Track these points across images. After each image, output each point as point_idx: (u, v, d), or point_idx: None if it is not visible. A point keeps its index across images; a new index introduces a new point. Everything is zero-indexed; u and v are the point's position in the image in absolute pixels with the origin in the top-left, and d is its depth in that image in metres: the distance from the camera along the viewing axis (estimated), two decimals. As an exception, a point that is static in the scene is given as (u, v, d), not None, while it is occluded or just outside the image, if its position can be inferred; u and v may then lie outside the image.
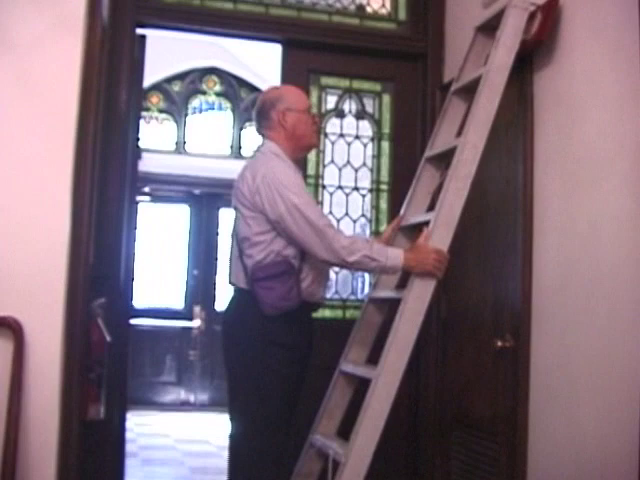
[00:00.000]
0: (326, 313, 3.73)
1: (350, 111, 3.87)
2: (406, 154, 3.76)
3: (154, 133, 7.82)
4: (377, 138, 3.87)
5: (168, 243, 8.17)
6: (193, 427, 7.02)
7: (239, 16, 3.61)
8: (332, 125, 3.84)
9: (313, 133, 2.87)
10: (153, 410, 7.55)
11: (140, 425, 6.76)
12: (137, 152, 3.69)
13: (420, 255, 2.62)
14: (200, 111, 8.07)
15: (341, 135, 3.85)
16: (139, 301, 6.77)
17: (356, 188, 3.84)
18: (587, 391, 2.55)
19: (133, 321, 3.73)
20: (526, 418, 2.87)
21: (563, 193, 2.76)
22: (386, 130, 3.86)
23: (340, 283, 3.92)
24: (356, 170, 3.85)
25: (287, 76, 3.65)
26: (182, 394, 7.93)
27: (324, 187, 3.78)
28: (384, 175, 3.84)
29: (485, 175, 2.97)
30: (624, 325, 2.38)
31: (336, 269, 3.70)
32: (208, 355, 7.74)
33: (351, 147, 3.85)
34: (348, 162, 3.84)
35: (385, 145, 3.86)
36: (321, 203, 3.72)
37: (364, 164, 3.86)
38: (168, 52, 6.57)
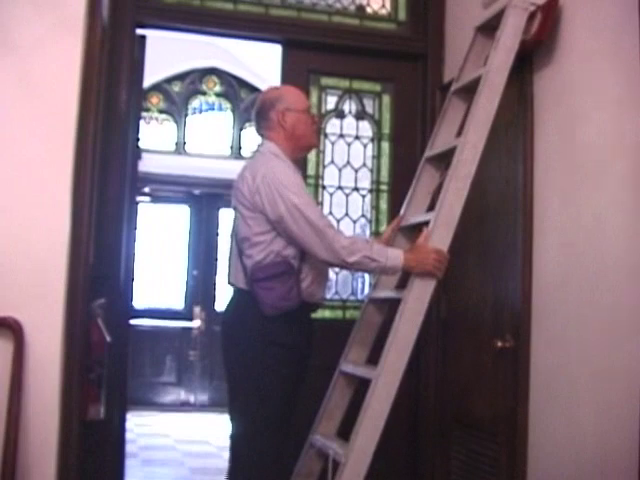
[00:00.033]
0: (326, 313, 3.73)
1: (350, 111, 3.87)
2: (406, 154, 3.76)
3: (154, 133, 7.82)
4: (377, 138, 3.87)
5: (168, 243, 8.17)
6: (193, 427, 7.02)
7: (239, 16, 3.61)
8: (332, 125, 3.84)
9: (313, 133, 2.88)
10: (153, 410, 7.55)
11: (140, 425, 6.76)
12: (137, 152, 3.69)
13: (420, 255, 2.62)
14: (200, 111, 8.07)
15: (341, 135, 3.85)
16: (139, 301, 6.77)
17: (356, 188, 3.84)
18: (587, 391, 2.55)
19: (133, 321, 3.73)
20: (526, 418, 2.87)
21: (563, 193, 2.76)
22: (386, 130, 3.86)
23: (340, 284, 3.92)
24: (356, 170, 3.85)
25: (287, 76, 3.65)
26: (182, 394, 7.93)
27: (324, 187, 3.78)
28: (384, 175, 3.84)
29: (485, 175, 2.98)
30: (624, 325, 2.38)
31: (336, 269, 3.70)
32: (208, 355, 7.74)
33: (351, 147, 3.85)
34: (348, 162, 3.84)
35: (385, 145, 3.86)
36: (321, 203, 3.72)
37: (364, 164, 3.86)
38: (168, 52, 6.56)
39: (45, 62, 2.77)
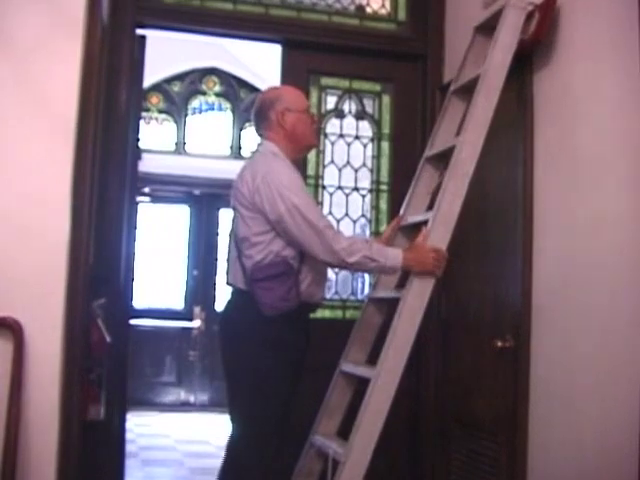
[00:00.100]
0: (326, 313, 3.73)
1: (350, 111, 3.87)
2: (406, 154, 3.76)
3: (154, 133, 7.82)
4: (377, 138, 3.87)
5: (168, 244, 8.17)
6: (193, 428, 7.02)
7: (239, 16, 3.61)
8: (332, 125, 3.84)
9: (312, 133, 2.88)
10: (153, 411, 7.55)
11: (140, 425, 6.76)
12: (137, 152, 3.69)
13: (419, 254, 2.63)
14: (200, 111, 8.07)
15: (341, 135, 3.85)
16: (139, 301, 6.77)
17: (356, 188, 3.84)
18: (587, 391, 2.55)
19: (133, 321, 3.73)
20: (526, 418, 2.87)
21: (563, 193, 2.76)
22: (386, 130, 3.86)
23: (340, 284, 3.92)
24: (356, 170, 3.85)
25: (287, 76, 3.65)
26: (182, 395, 7.93)
27: (324, 187, 3.78)
28: (384, 175, 3.84)
29: (485, 175, 2.98)
30: (624, 325, 2.38)
31: (336, 270, 3.70)
32: (208, 355, 7.73)
33: (351, 147, 3.85)
34: (348, 162, 3.84)
35: (385, 145, 3.86)
36: (321, 203, 3.72)
37: (364, 164, 3.86)
38: (168, 52, 6.56)
39: (45, 62, 2.76)
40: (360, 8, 3.85)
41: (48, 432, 2.67)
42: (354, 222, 3.84)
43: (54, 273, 2.72)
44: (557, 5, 2.81)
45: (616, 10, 2.51)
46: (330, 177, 3.80)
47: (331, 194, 3.79)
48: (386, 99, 3.87)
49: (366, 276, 4.03)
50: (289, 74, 3.66)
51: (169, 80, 7.92)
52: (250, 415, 2.62)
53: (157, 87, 7.85)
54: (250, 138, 7.93)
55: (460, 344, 3.42)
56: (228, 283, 2.76)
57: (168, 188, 8.05)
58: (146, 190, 7.70)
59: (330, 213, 3.75)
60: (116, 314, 3.26)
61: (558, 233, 2.78)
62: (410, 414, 3.63)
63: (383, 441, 2.57)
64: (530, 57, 2.94)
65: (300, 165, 3.28)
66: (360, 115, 3.88)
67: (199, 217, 8.21)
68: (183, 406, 7.85)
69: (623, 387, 2.37)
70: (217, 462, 2.73)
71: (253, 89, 7.84)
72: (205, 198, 8.17)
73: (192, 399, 7.93)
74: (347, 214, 3.83)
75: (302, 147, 2.85)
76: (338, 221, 3.77)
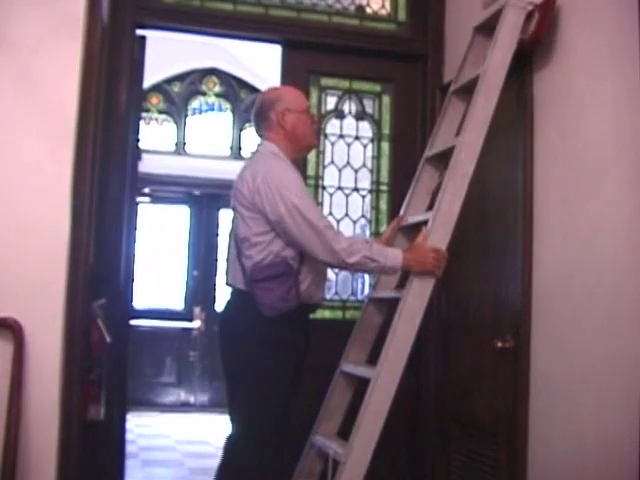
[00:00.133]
0: (326, 314, 3.73)
1: (350, 112, 3.87)
2: (406, 155, 3.76)
3: (154, 134, 7.81)
4: (377, 139, 3.87)
5: (168, 244, 8.17)
6: (193, 428, 7.02)
7: (239, 17, 3.61)
8: (332, 126, 3.84)
9: (312, 133, 2.88)
10: (153, 411, 7.55)
11: (140, 426, 6.75)
12: (137, 153, 3.69)
13: (419, 254, 2.63)
14: (200, 112, 8.06)
15: (341, 136, 3.84)
16: (139, 302, 6.76)
17: (356, 189, 3.84)
18: (587, 391, 2.55)
19: (133, 322, 3.73)
20: (526, 418, 2.87)
21: (563, 193, 2.76)
22: (386, 131, 3.86)
23: (340, 284, 3.92)
24: (356, 171, 3.85)
25: (287, 77, 3.66)
26: (182, 395, 7.93)
27: (324, 188, 3.78)
28: (384, 176, 3.84)
29: (485, 176, 2.98)
30: (624, 325, 2.39)
31: (336, 270, 3.70)
32: (208, 356, 7.73)
33: (351, 148, 3.85)
34: (348, 163, 3.84)
35: (385, 146, 3.86)
36: (321, 204, 3.72)
37: (364, 165, 3.86)
38: (168, 53, 6.56)
39: (45, 62, 2.76)
40: (360, 8, 3.85)
41: (48, 432, 2.67)
42: (354, 222, 3.84)
43: (54, 273, 2.72)
44: (557, 5, 2.81)
45: (616, 10, 2.51)
46: (330, 177, 3.80)
47: (331, 194, 3.79)
48: (386, 99, 3.87)
49: (366, 276, 4.03)
50: (289, 74, 3.66)
51: (169, 80, 7.92)
52: (250, 415, 2.62)
53: (157, 87, 7.85)
54: (250, 139, 7.93)
55: (460, 344, 3.42)
56: (227, 283, 2.76)
57: (168, 188, 8.05)
58: (146, 190, 7.70)
59: (330, 214, 3.75)
60: (116, 314, 3.26)
61: (558, 233, 2.78)
62: (410, 414, 3.63)
63: (383, 441, 2.57)
64: (530, 57, 2.94)
65: (300, 165, 3.28)
66: (360, 115, 3.88)
67: (199, 217, 8.21)
68: (183, 406, 7.85)
69: (623, 387, 2.37)
70: (217, 462, 2.73)
71: (253, 89, 7.84)
72: (205, 198, 8.17)
73: (192, 399, 7.93)
74: (347, 214, 3.83)
75: (302, 147, 2.85)
76: (338, 222, 3.77)
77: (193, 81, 8.03)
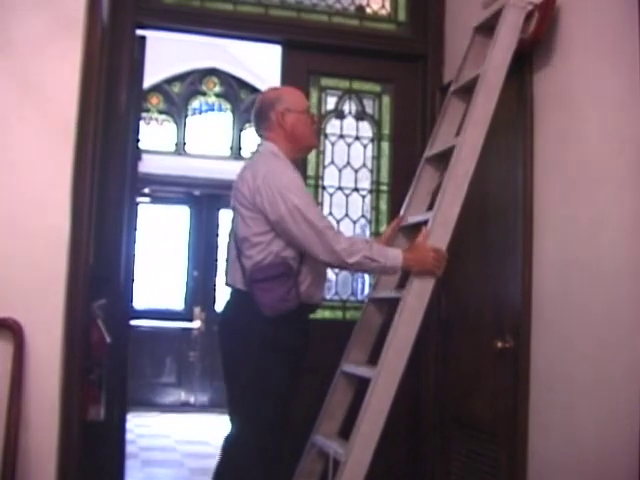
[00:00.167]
0: (326, 314, 3.73)
1: (350, 112, 3.87)
2: (406, 155, 3.76)
3: (154, 134, 7.82)
4: (377, 139, 3.87)
5: (168, 244, 8.17)
6: (193, 428, 7.02)
7: (239, 17, 3.61)
8: (332, 126, 3.84)
9: (312, 134, 2.88)
10: (153, 411, 7.55)
11: (140, 426, 6.75)
12: (137, 153, 3.69)
13: (419, 254, 2.63)
14: (200, 112, 8.07)
15: (341, 136, 3.84)
16: (139, 302, 6.77)
17: (356, 189, 3.84)
18: (587, 391, 2.55)
19: (133, 322, 3.73)
20: (526, 418, 2.87)
21: (563, 193, 2.76)
22: (386, 131, 3.86)
23: (340, 284, 3.92)
24: (356, 171, 3.85)
25: (287, 77, 3.66)
26: (182, 395, 7.93)
27: (324, 188, 3.77)
28: (384, 176, 3.84)
29: (485, 176, 2.98)
30: (624, 325, 2.38)
31: (336, 270, 3.70)
32: (208, 356, 7.73)
33: (351, 148, 3.85)
34: (348, 163, 3.84)
35: (385, 146, 3.86)
36: (321, 204, 3.71)
37: (364, 165, 3.86)
38: (168, 53, 6.56)
39: (45, 62, 2.76)
40: (360, 9, 3.85)
41: (48, 432, 2.67)
42: (354, 223, 3.83)
43: (54, 274, 2.72)
44: (557, 4, 2.81)
45: (616, 9, 2.51)
46: (330, 178, 3.80)
47: (331, 195, 3.79)
48: (386, 100, 3.87)
49: (366, 277, 4.03)
50: (289, 75, 3.66)
51: (169, 81, 7.92)
52: (249, 416, 2.62)
53: (157, 88, 7.85)
54: (250, 139, 7.93)
55: (460, 344, 3.42)
56: (227, 284, 2.76)
57: (168, 189, 8.05)
58: (146, 191, 7.70)
59: (330, 214, 3.75)
60: (116, 315, 3.26)
61: (558, 233, 2.78)
62: (410, 414, 3.63)
63: (383, 441, 2.58)
64: (530, 56, 2.94)
65: (300, 166, 3.28)
66: (360, 116, 3.88)
67: (199, 218, 8.21)
68: (183, 407, 7.85)
69: (623, 387, 2.37)
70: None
71: (253, 90, 7.84)
72: (205, 199, 8.17)
73: (192, 400, 7.93)
74: (347, 215, 3.83)
75: (302, 147, 2.85)
76: (338, 222, 3.77)
77: (193, 81, 8.03)
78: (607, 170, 2.52)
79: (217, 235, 8.13)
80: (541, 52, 2.90)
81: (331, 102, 3.84)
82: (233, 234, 2.75)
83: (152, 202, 8.03)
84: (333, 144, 3.82)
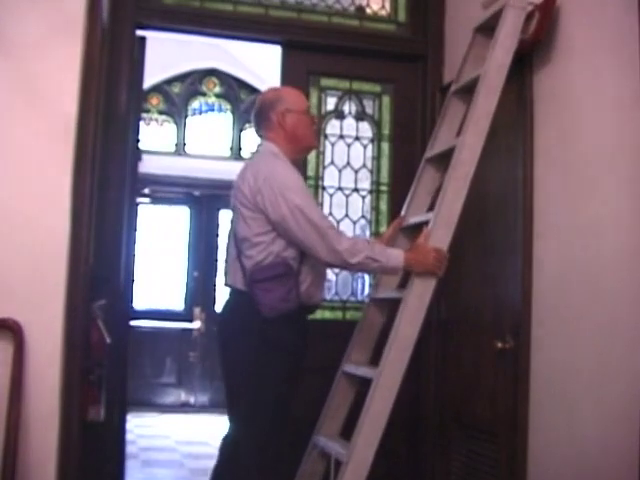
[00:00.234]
0: (326, 314, 3.73)
1: (350, 112, 3.87)
2: (406, 155, 3.76)
3: (154, 134, 7.82)
4: (377, 139, 3.87)
5: (168, 245, 8.17)
6: (193, 429, 7.02)
7: (239, 17, 3.62)
8: (332, 126, 3.84)
9: (312, 134, 2.88)
10: (153, 412, 7.54)
11: (140, 427, 6.75)
12: (137, 153, 3.69)
13: (420, 255, 2.63)
14: (200, 112, 8.07)
15: (341, 136, 3.85)
16: (139, 303, 6.77)
17: (356, 189, 3.84)
18: (587, 391, 2.55)
19: (133, 322, 3.73)
20: (526, 419, 2.87)
21: (563, 194, 2.76)
22: (386, 131, 3.86)
23: (340, 284, 3.92)
24: (356, 171, 3.85)
25: (287, 77, 3.66)
26: (182, 395, 7.92)
27: (324, 188, 3.78)
28: (384, 176, 3.84)
29: (485, 176, 2.98)
30: (624, 326, 2.38)
31: (336, 270, 3.70)
32: (208, 356, 7.72)
33: (351, 148, 3.85)
34: (348, 163, 3.84)
35: (385, 146, 3.86)
36: (321, 204, 3.71)
37: (364, 165, 3.86)
38: (168, 54, 6.57)
39: (45, 63, 2.76)
40: (360, 9, 3.85)
41: (48, 433, 2.67)
42: (354, 223, 3.83)
43: (54, 273, 2.72)
44: (557, 5, 2.81)
45: (616, 9, 2.51)
46: (330, 178, 3.80)
47: (331, 195, 3.79)
48: (386, 100, 3.87)
49: (366, 277, 4.03)
50: (289, 75, 3.66)
51: (169, 81, 7.92)
52: (249, 416, 2.62)
53: (157, 88, 7.85)
54: (250, 139, 7.94)
55: (460, 344, 3.42)
56: (226, 284, 2.75)
57: (168, 189, 8.05)
58: (146, 191, 7.70)
59: (330, 214, 3.75)
60: (116, 315, 3.26)
61: (558, 233, 2.78)
62: (410, 414, 3.62)
63: (383, 441, 2.57)
64: (530, 57, 2.94)
65: (300, 166, 3.28)
66: (360, 116, 3.88)
67: (199, 218, 8.21)
68: (183, 407, 7.85)
69: (623, 387, 2.37)
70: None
71: (253, 90, 7.84)
72: (205, 199, 8.16)
73: (192, 400, 7.93)
74: (347, 215, 3.83)
75: (302, 148, 2.85)
76: (338, 222, 3.76)
77: (193, 82, 8.03)
78: (607, 170, 2.52)
79: (217, 235, 8.13)
80: (541, 52, 2.90)
81: (331, 102, 3.84)
82: (233, 234, 2.75)
83: (152, 202, 8.02)
84: (333, 144, 3.82)
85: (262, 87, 6.51)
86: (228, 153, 8.04)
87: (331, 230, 2.59)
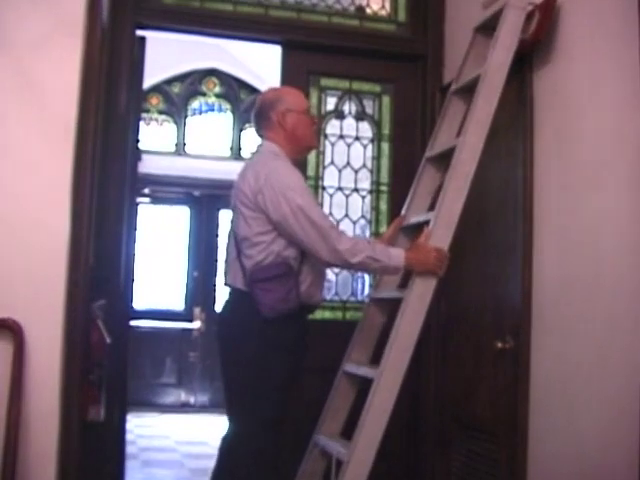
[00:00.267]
0: (326, 315, 3.73)
1: (350, 112, 3.87)
2: (406, 155, 3.76)
3: (154, 134, 7.82)
4: (377, 139, 3.87)
5: (168, 244, 8.17)
6: (193, 429, 7.01)
7: (239, 17, 3.61)
8: (332, 126, 3.84)
9: (312, 134, 2.88)
10: (153, 412, 7.54)
11: (140, 427, 6.75)
12: (137, 153, 3.69)
13: (421, 254, 2.63)
14: (200, 112, 8.07)
15: (341, 136, 3.85)
16: (139, 303, 6.76)
17: (356, 189, 3.84)
18: (587, 391, 2.55)
19: (133, 323, 3.73)
20: (526, 419, 2.86)
21: (563, 194, 2.76)
22: (386, 131, 3.86)
23: (340, 284, 3.92)
24: (356, 171, 3.85)
25: (287, 77, 3.66)
26: (182, 396, 7.92)
27: (324, 188, 3.78)
28: (384, 176, 3.84)
29: (485, 176, 2.97)
30: (624, 326, 2.38)
31: (336, 270, 3.70)
32: (208, 356, 7.72)
33: (351, 148, 3.85)
34: (348, 163, 3.84)
35: (385, 146, 3.86)
36: (321, 204, 3.71)
37: (364, 165, 3.86)
38: (168, 53, 6.56)
39: (45, 63, 2.76)
40: (360, 9, 3.85)
41: (48, 433, 2.67)
42: (354, 223, 3.84)
43: (54, 274, 2.71)
44: (557, 4, 2.81)
45: (616, 9, 2.51)
46: (330, 178, 3.80)
47: (331, 195, 3.79)
48: (386, 100, 3.87)
49: (366, 277, 4.02)
50: (289, 75, 3.66)
51: (169, 81, 7.92)
52: (249, 416, 2.62)
53: (157, 88, 7.85)
54: (250, 139, 7.93)
55: (460, 344, 3.42)
56: (226, 284, 2.75)
57: (168, 189, 8.05)
58: (146, 191, 7.70)
59: (330, 214, 3.75)
60: (116, 315, 3.26)
61: (558, 233, 2.78)
62: (410, 414, 3.63)
63: (383, 441, 2.57)
64: (530, 57, 2.94)
65: (300, 166, 3.28)
66: (360, 116, 3.88)
67: (199, 218, 8.21)
68: (183, 407, 7.84)
69: (623, 387, 2.37)
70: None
71: (253, 90, 7.84)
72: (205, 199, 8.16)
73: (192, 400, 7.93)
74: (347, 215, 3.83)
75: (302, 148, 2.85)
76: (338, 222, 3.76)
77: (193, 82, 8.03)
78: (607, 170, 2.51)
79: (217, 235, 8.13)
80: (541, 52, 2.90)
81: (331, 102, 3.84)
82: (233, 234, 2.74)
83: (152, 202, 8.02)
84: (333, 144, 3.82)
85: (262, 87, 6.51)
86: (228, 153, 8.03)
87: (332, 230, 2.59)
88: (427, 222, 2.76)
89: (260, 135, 2.82)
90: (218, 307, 7.78)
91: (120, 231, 3.35)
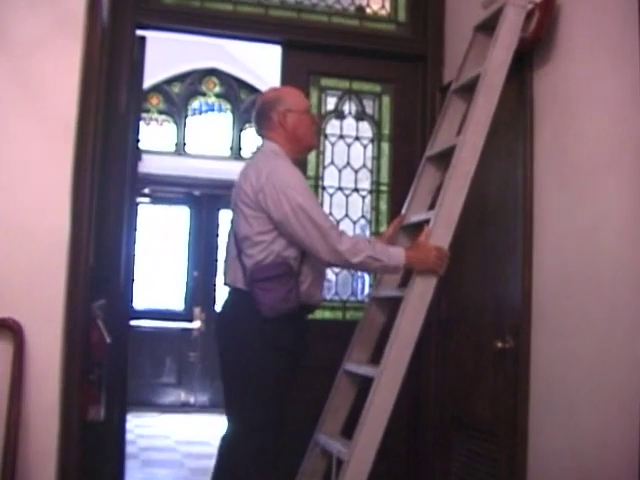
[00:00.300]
0: (326, 314, 3.73)
1: (350, 112, 3.87)
2: (406, 155, 3.76)
3: (154, 134, 7.82)
4: (377, 139, 3.87)
5: (168, 244, 8.17)
6: (193, 428, 7.02)
7: (239, 17, 3.62)
8: (332, 126, 3.84)
9: (313, 134, 2.88)
10: (153, 412, 7.54)
11: (140, 427, 6.75)
12: (137, 153, 3.69)
13: (421, 253, 2.63)
14: (200, 112, 8.06)
15: (341, 136, 3.85)
16: (139, 302, 6.77)
17: (356, 189, 3.84)
18: (587, 392, 2.55)
19: (133, 322, 3.73)
20: (526, 419, 2.86)
21: (563, 194, 2.76)
22: (386, 131, 3.86)
23: (340, 284, 3.92)
24: (356, 171, 3.85)
25: (287, 77, 3.66)
26: (182, 395, 7.92)
27: (324, 188, 3.78)
28: (384, 176, 3.84)
29: (485, 176, 2.98)
30: (624, 326, 2.38)
31: (336, 270, 3.70)
32: (208, 356, 7.71)
33: (351, 148, 3.85)
34: (348, 163, 3.84)
35: (385, 146, 3.86)
36: (321, 204, 3.71)
37: (364, 165, 3.86)
38: (168, 53, 6.56)
39: (45, 63, 2.76)
40: (360, 9, 3.85)
41: (48, 433, 2.67)
42: (354, 223, 3.84)
43: (54, 273, 2.71)
44: (557, 3, 2.81)
45: (616, 8, 2.51)
46: (330, 178, 3.80)
47: (331, 195, 3.79)
48: (386, 100, 3.87)
49: (366, 277, 4.03)
50: (289, 75, 3.66)
51: (169, 81, 7.92)
52: (249, 416, 2.61)
53: (157, 88, 7.85)
54: (250, 139, 7.93)
55: (460, 345, 3.42)
56: (226, 283, 2.75)
57: (168, 189, 8.05)
58: (146, 191, 7.70)
59: (330, 214, 3.75)
60: (116, 315, 3.26)
61: (558, 233, 2.78)
62: (410, 414, 3.63)
63: (383, 441, 2.57)
64: (530, 55, 2.94)
65: (300, 166, 3.27)
66: (360, 116, 3.88)
67: (199, 218, 8.21)
68: (183, 407, 7.85)
69: (623, 387, 2.37)
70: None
71: (253, 90, 7.84)
72: (205, 199, 8.16)
73: (192, 400, 7.93)
74: (347, 215, 3.83)
75: (302, 148, 2.85)
76: (338, 222, 3.76)
77: (193, 81, 8.03)
78: (607, 170, 2.51)
79: (217, 235, 8.13)
80: (541, 51, 2.90)
81: (331, 102, 3.84)
82: (233, 233, 2.74)
83: (152, 202, 8.02)
84: (333, 144, 3.82)
85: (262, 87, 6.52)
86: (228, 153, 8.03)
87: (333, 230, 2.59)
88: (427, 221, 2.76)
89: (261, 135, 2.82)
90: (218, 307, 7.77)
91: (120, 231, 3.35)
